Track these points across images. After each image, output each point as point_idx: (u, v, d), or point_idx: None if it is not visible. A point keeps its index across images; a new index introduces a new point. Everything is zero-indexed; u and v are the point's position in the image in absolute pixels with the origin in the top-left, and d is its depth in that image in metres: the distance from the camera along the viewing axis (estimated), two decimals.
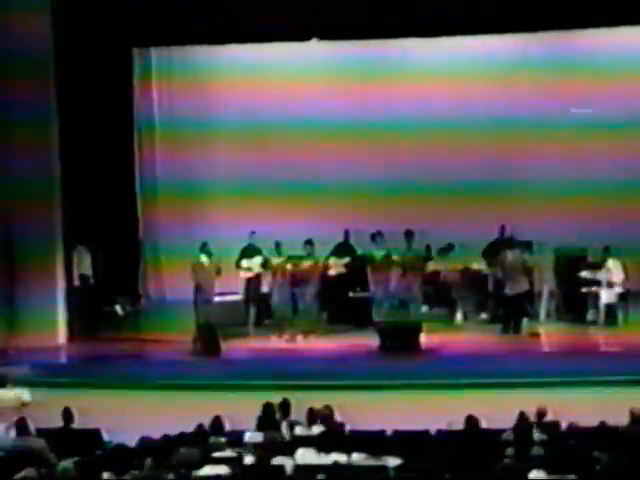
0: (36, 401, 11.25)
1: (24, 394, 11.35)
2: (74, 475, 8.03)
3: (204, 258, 15.25)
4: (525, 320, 14.94)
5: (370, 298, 15.97)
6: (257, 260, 15.95)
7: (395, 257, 15.86)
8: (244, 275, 16.07)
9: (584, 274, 15.22)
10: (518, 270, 14.80)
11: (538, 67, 17.73)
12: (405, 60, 18.15)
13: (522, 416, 9.23)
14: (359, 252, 16.51)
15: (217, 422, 9.51)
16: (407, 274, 15.97)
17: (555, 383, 12.20)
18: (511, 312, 14.91)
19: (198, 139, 18.73)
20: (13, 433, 9.32)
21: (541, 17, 16.22)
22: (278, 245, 15.79)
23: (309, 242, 15.42)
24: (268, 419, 9.74)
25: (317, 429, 9.45)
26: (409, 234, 15.99)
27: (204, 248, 15.28)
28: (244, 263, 16.00)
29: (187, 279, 15.57)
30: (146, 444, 8.66)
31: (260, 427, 9.72)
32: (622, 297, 15.16)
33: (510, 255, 14.88)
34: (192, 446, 8.67)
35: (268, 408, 9.81)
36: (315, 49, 18.13)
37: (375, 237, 16.04)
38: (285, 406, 9.91)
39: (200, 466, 8.28)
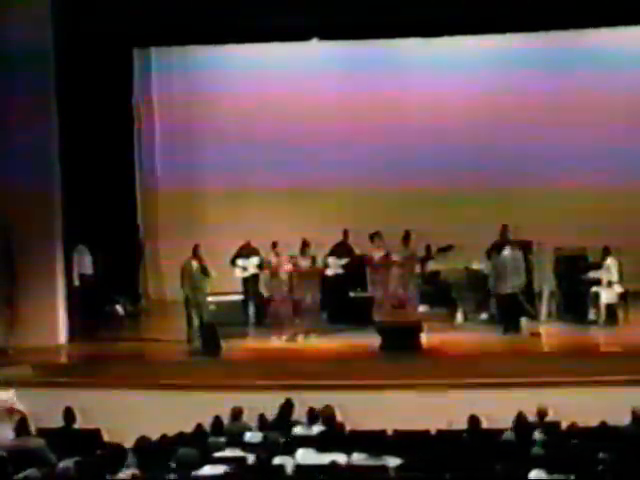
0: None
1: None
2: (74, 475, 8.03)
3: (194, 262, 15.16)
4: (524, 319, 14.93)
5: (370, 298, 15.97)
6: (254, 260, 15.92)
7: (394, 257, 15.87)
8: (239, 274, 16.04)
9: (587, 275, 15.22)
10: (510, 269, 14.79)
11: (539, 67, 17.72)
12: (405, 60, 18.16)
13: (520, 416, 9.23)
14: (357, 252, 16.53)
15: (217, 422, 9.53)
16: (405, 274, 15.99)
17: (555, 383, 12.19)
18: (510, 312, 14.90)
19: (198, 139, 18.73)
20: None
21: (541, 17, 16.28)
22: (275, 245, 15.76)
23: (305, 243, 15.40)
24: (284, 415, 9.78)
25: (317, 429, 9.45)
26: (406, 234, 16.00)
27: (195, 252, 15.20)
28: (240, 262, 15.97)
29: None
30: (142, 444, 8.63)
31: (263, 426, 9.75)
32: (622, 297, 15.15)
33: (507, 254, 14.87)
34: (191, 446, 8.66)
35: (287, 405, 9.88)
36: (315, 49, 18.17)
37: (373, 237, 16.02)
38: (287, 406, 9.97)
39: (199, 466, 8.27)
